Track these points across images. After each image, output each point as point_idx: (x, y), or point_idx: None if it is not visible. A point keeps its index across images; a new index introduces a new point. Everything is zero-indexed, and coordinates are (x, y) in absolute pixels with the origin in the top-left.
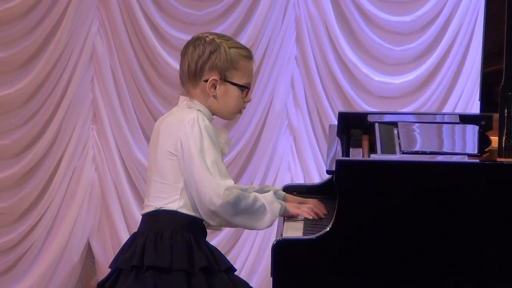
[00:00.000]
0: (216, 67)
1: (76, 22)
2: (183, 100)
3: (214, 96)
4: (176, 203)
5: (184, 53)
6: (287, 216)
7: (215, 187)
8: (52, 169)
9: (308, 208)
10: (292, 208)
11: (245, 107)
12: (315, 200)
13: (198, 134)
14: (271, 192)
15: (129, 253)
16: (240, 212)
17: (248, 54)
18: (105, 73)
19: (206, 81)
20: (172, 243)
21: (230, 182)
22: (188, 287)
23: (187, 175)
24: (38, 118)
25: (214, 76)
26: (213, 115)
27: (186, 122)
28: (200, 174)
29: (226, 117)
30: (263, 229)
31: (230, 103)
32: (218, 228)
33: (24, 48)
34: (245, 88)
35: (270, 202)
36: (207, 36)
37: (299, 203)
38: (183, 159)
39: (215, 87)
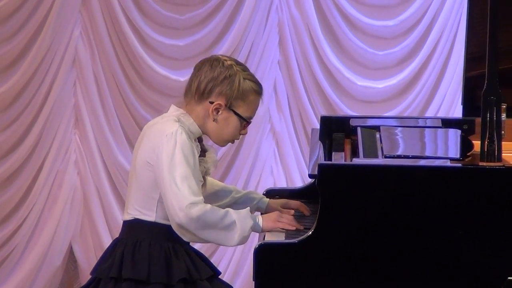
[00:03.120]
0: (225, 94)
1: (59, 26)
2: (174, 110)
3: (215, 120)
4: (153, 214)
5: (198, 68)
6: (265, 231)
7: (180, 201)
8: (34, 173)
9: (287, 219)
10: (269, 223)
11: (238, 139)
12: (298, 202)
13: (172, 148)
14: (247, 209)
15: (108, 263)
16: (207, 227)
17: (259, 90)
18: (88, 77)
19: (212, 103)
20: (150, 255)
21: (197, 198)
22: None
23: (159, 186)
24: (20, 122)
25: (220, 101)
26: (204, 134)
27: (164, 135)
28: (166, 188)
29: (217, 142)
30: (234, 245)
31: (226, 131)
32: None
33: (6, 52)
34: (245, 121)
35: (242, 218)
36: (226, 60)
37: (282, 205)
38: (156, 170)
39: (218, 111)
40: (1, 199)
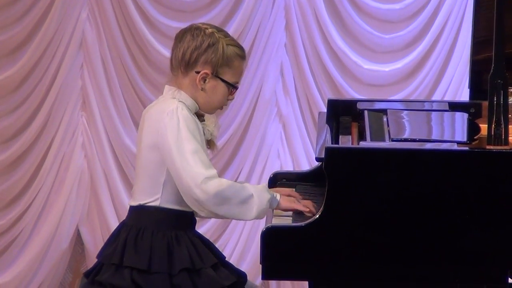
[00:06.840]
0: (211, 62)
1: (66, 9)
2: (168, 90)
3: (202, 89)
4: (158, 199)
5: (180, 39)
6: (280, 209)
7: (194, 176)
8: (41, 155)
9: (306, 202)
10: (286, 202)
11: (226, 105)
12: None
13: (176, 125)
14: (263, 184)
15: (112, 248)
16: (225, 202)
17: (243, 54)
18: (95, 60)
19: (198, 72)
20: (152, 244)
21: (212, 172)
22: (171, 286)
23: (168, 166)
24: (28, 105)
25: (206, 70)
26: None
27: (165, 114)
28: (178, 166)
29: (207, 110)
30: (251, 219)
31: (215, 99)
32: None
33: (14, 35)
34: (233, 87)
35: (259, 191)
36: (206, 28)
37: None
38: (163, 150)
39: (205, 80)
40: (8, 182)
